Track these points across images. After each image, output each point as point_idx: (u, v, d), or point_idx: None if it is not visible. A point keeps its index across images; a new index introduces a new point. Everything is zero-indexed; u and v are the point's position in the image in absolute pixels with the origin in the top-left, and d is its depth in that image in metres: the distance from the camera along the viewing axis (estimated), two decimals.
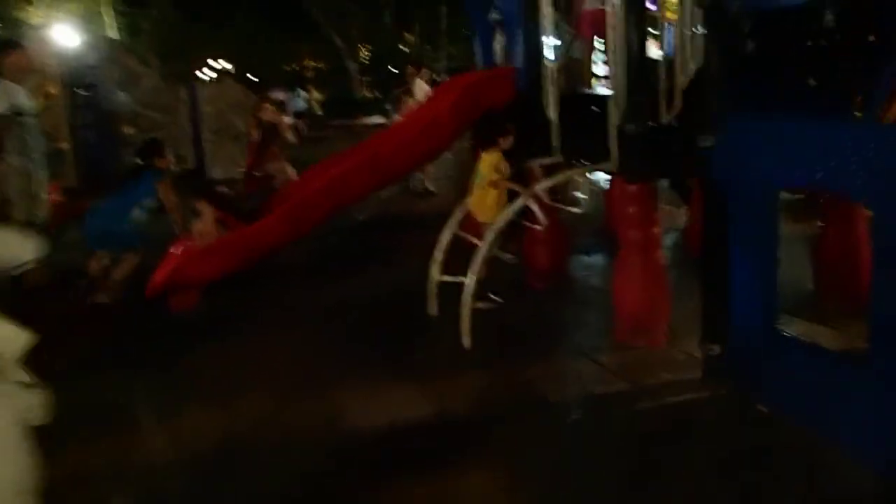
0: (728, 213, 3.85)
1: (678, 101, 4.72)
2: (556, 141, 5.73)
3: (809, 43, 4.06)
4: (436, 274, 5.68)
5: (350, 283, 6.79)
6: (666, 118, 4.78)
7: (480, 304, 5.03)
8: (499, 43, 7.36)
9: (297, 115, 25.14)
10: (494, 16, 6.98)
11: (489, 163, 5.32)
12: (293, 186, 6.78)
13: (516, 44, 6.25)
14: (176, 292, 6.17)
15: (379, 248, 8.26)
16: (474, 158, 7.73)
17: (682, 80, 4.67)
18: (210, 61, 36.42)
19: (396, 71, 26.63)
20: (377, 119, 23.46)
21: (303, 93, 26.30)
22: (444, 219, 5.99)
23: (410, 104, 11.06)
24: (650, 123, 4.69)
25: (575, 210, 5.50)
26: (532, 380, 4.43)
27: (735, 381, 3.99)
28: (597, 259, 7.20)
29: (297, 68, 39.63)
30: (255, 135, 9.82)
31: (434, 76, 18.88)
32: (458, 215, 5.72)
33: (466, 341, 4.99)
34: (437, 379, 4.52)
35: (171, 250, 6.27)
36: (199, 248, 6.16)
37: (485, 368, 4.66)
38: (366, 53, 34.80)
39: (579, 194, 8.86)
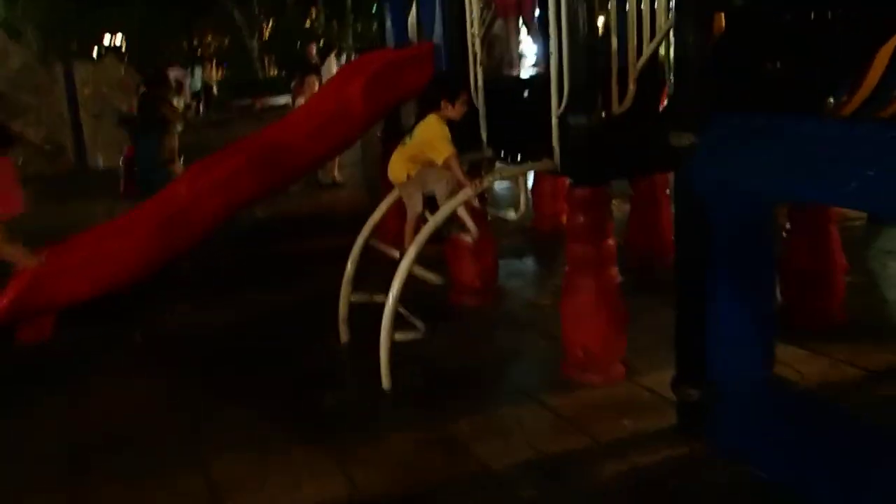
0: (709, 228, 3.06)
1: (633, 87, 3.90)
2: (484, 133, 4.85)
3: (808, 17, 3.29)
4: (347, 293, 4.74)
5: (242, 304, 5.75)
6: (618, 108, 3.95)
7: (401, 336, 4.12)
8: (413, 17, 6.42)
9: (195, 95, 23.51)
10: None
11: (431, 128, 4.33)
12: (174, 187, 5.66)
13: (433, 16, 5.33)
14: (24, 320, 5.03)
15: (278, 256, 7.20)
16: (384, 147, 6.89)
17: (637, 61, 3.84)
18: (107, 38, 33.80)
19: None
20: (282, 99, 22.10)
21: (199, 72, 24.55)
22: (354, 217, 5.11)
23: (313, 84, 9.98)
24: (601, 114, 3.86)
25: (509, 216, 4.64)
26: (468, 438, 3.56)
27: (720, 435, 3.22)
28: (528, 265, 6.40)
29: (196, 45, 37.35)
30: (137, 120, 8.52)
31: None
32: (371, 220, 4.78)
33: (386, 382, 4.08)
34: (349, 441, 3.59)
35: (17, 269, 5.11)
36: (50, 266, 5.01)
37: (409, 422, 3.77)
38: (269, 30, 33.03)
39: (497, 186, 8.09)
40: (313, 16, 32.48)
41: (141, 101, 9.03)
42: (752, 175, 2.79)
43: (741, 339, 3.07)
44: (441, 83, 4.47)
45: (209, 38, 37.92)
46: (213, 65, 30.85)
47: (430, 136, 4.28)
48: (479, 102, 4.81)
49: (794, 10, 3.21)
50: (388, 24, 6.36)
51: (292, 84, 15.48)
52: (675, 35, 3.10)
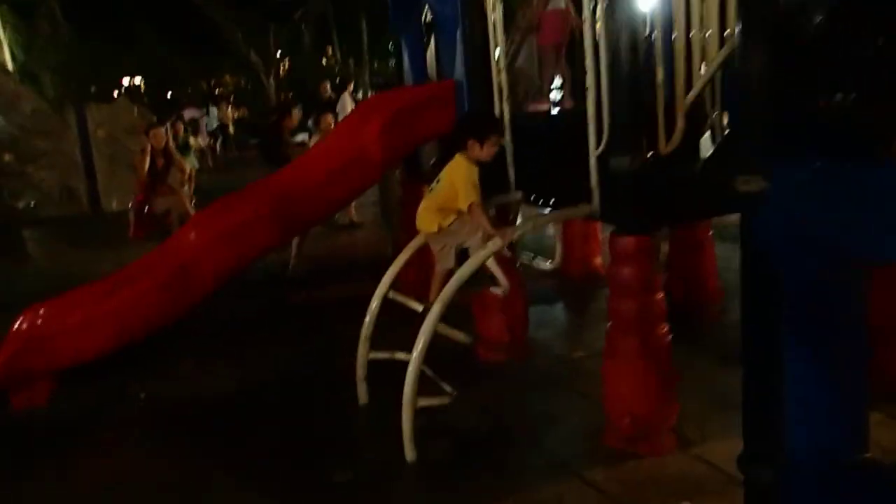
0: (781, 289, 2.64)
1: (681, 124, 3.51)
2: (512, 174, 4.47)
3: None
4: (365, 350, 4.35)
5: (251, 360, 5.34)
6: (664, 147, 3.56)
7: (426, 402, 3.70)
8: (430, 53, 6.11)
9: (211, 134, 23.43)
10: (426, 18, 5.73)
11: (457, 170, 3.96)
12: (182, 236, 5.32)
13: (453, 52, 4.99)
14: (20, 384, 4.67)
15: (293, 305, 6.80)
16: (404, 189, 6.54)
17: (688, 94, 3.46)
18: (126, 81, 34.11)
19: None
20: (300, 137, 21.92)
21: (215, 111, 24.50)
22: (373, 261, 4.72)
23: (329, 124, 9.69)
24: (646, 155, 3.47)
25: (543, 266, 4.22)
26: None
27: None
28: (558, 313, 5.96)
29: (213, 85, 37.57)
30: (142, 165, 8.22)
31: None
32: (392, 270, 4.39)
33: (410, 453, 3.66)
34: None
35: (14, 327, 4.77)
36: (49, 326, 4.66)
37: (434, 501, 3.34)
38: (285, 69, 33.16)
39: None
40: (329, 53, 32.58)
41: None
42: (839, 229, 2.37)
43: (826, 412, 2.62)
44: (469, 121, 4.10)
45: (226, 78, 38.21)
46: (230, 104, 30.92)
47: (456, 178, 3.92)
48: (507, 141, 4.44)
49: (875, 35, 2.81)
50: (406, 60, 6.04)
51: (308, 122, 15.28)
52: (739, 62, 2.71)
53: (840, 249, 2.39)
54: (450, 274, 3.90)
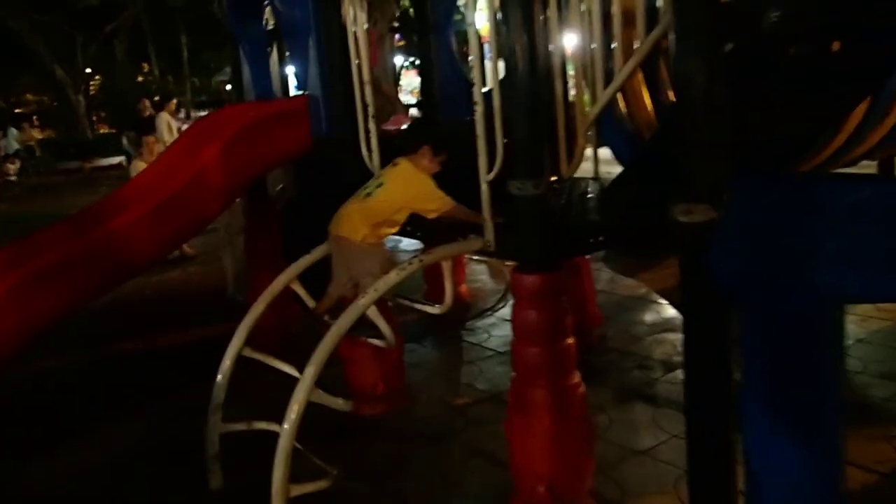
0: (737, 332, 2.25)
1: (582, 143, 3.09)
2: None
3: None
4: (217, 421, 3.58)
5: (67, 445, 4.31)
6: (567, 169, 3.12)
7: (303, 489, 3.01)
8: (274, 63, 5.41)
9: (10, 157, 20.89)
10: (269, 24, 5.03)
11: (413, 179, 3.32)
12: None
13: (306, 62, 4.33)
14: None
15: (116, 360, 5.72)
16: (250, 220, 5.76)
17: (592, 108, 3.04)
18: None
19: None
20: (114, 159, 20.07)
21: (15, 131, 21.89)
22: (212, 301, 3.92)
23: (153, 145, 8.62)
24: (549, 179, 3.00)
25: (431, 310, 3.66)
26: None
27: None
28: (429, 351, 5.41)
29: (12, 104, 33.90)
30: None
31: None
32: (247, 320, 3.65)
33: None
34: None
35: None
36: None
37: None
38: (96, 86, 30.53)
39: None
40: (146, 69, 30.45)
41: None
42: (815, 265, 1.99)
43: (794, 480, 2.24)
44: (429, 127, 3.40)
45: (29, 96, 34.66)
46: (33, 124, 27.92)
47: (417, 188, 3.28)
48: (375, 165, 3.84)
49: (812, 40, 2.50)
50: (246, 72, 5.28)
51: (124, 142, 13.82)
52: (675, 70, 2.30)
53: (827, 289, 2.01)
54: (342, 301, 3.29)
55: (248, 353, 3.57)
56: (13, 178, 18.32)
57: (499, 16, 3.03)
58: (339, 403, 3.11)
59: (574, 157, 3.08)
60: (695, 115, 2.28)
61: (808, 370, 2.17)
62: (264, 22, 5.25)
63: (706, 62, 2.23)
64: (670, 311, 5.82)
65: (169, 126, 12.77)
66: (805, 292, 2.01)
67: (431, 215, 3.28)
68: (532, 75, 2.83)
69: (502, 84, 2.97)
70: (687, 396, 2.54)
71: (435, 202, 3.25)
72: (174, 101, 14.14)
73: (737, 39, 2.25)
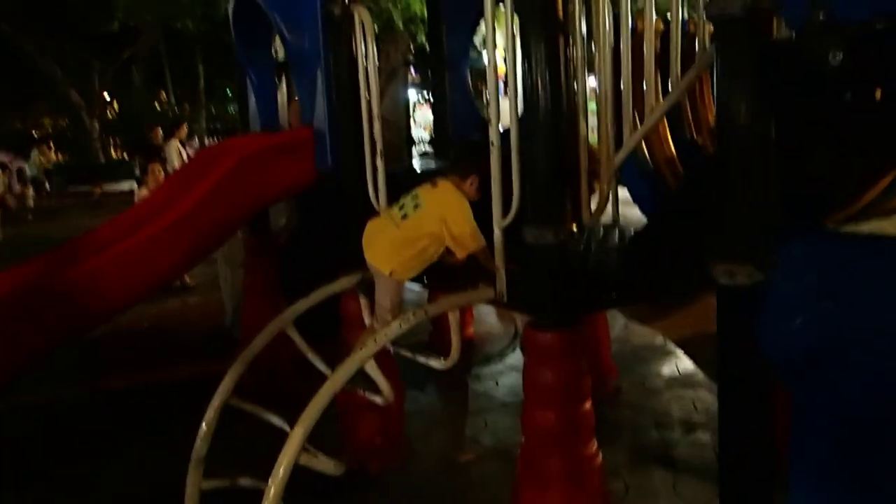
0: (796, 418, 1.97)
1: (606, 188, 2.84)
2: None
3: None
4: (197, 477, 3.29)
5: (39, 488, 4.02)
6: (588, 216, 2.87)
7: None
8: (282, 94, 5.21)
9: (31, 181, 20.84)
10: (278, 56, 4.84)
11: (454, 204, 2.95)
12: None
13: (313, 93, 4.12)
14: None
15: (103, 397, 5.40)
16: (250, 254, 5.52)
17: (614, 156, 2.79)
18: None
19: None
20: (126, 185, 19.98)
21: (35, 155, 21.94)
22: (209, 334, 3.66)
23: (158, 173, 8.44)
24: (571, 226, 2.75)
25: (434, 364, 3.38)
26: None
27: None
28: (431, 398, 5.11)
29: (31, 127, 34.07)
30: None
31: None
32: (236, 368, 3.39)
33: None
34: None
35: None
36: None
37: None
38: (113, 112, 30.66)
39: None
40: (163, 97, 30.59)
41: None
42: (884, 344, 1.72)
43: None
44: (479, 152, 2.96)
45: (45, 120, 34.90)
46: (49, 148, 27.98)
47: (455, 216, 2.91)
48: (381, 205, 3.60)
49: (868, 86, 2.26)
50: (252, 102, 5.08)
51: (135, 169, 13.70)
52: (719, 112, 2.05)
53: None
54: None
55: (236, 402, 3.30)
56: (31, 202, 18.20)
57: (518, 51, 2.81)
58: (330, 467, 2.82)
59: (597, 205, 2.82)
60: (740, 162, 2.04)
61: (869, 459, 1.88)
62: (273, 52, 5.06)
63: (754, 104, 1.98)
64: (688, 363, 5.52)
65: (179, 153, 12.65)
66: (880, 376, 1.73)
67: (461, 253, 2.94)
68: (555, 114, 2.60)
69: (520, 123, 2.74)
70: (723, 491, 2.25)
71: (473, 236, 2.88)
72: (184, 127, 14.05)
73: (791, 80, 2.00)
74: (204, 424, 3.32)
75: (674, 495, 3.64)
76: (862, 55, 1.83)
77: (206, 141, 23.89)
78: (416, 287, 4.28)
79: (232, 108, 30.87)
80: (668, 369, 5.44)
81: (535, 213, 2.67)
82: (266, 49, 4.95)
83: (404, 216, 3.00)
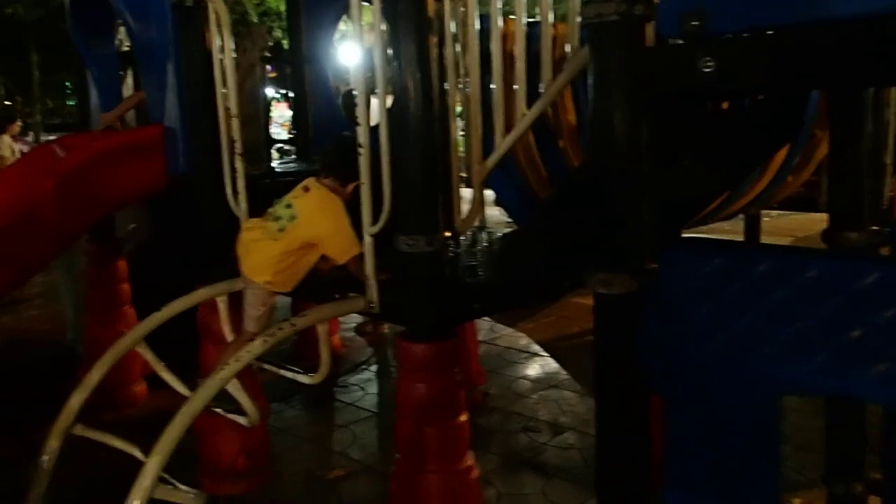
0: (670, 426, 1.97)
1: (479, 197, 2.78)
2: None
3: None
4: None
5: None
6: (460, 223, 2.79)
7: None
8: (127, 88, 4.82)
9: None
10: (122, 46, 4.46)
11: (328, 209, 2.78)
12: None
13: (164, 88, 3.81)
14: None
15: None
16: (93, 262, 5.05)
17: (483, 162, 2.72)
18: None
19: None
20: None
21: None
22: (47, 352, 3.27)
23: None
24: (443, 235, 2.65)
25: (302, 378, 3.17)
26: None
27: None
28: (295, 410, 4.88)
29: None
30: None
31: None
32: (80, 394, 3.05)
33: None
34: None
35: None
36: None
37: None
38: None
39: None
40: None
41: None
42: (759, 351, 1.73)
43: None
44: (353, 149, 2.70)
45: None
46: None
47: (336, 223, 2.75)
48: (242, 210, 3.36)
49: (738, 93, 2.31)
50: (93, 97, 4.66)
51: None
52: (593, 120, 2.01)
53: (770, 376, 1.75)
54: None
55: (81, 430, 2.97)
56: None
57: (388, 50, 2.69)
58: (189, 499, 2.57)
59: (469, 212, 2.75)
60: (616, 171, 2.01)
61: (740, 467, 1.90)
62: (117, 43, 4.66)
63: (628, 110, 1.96)
64: (553, 365, 5.61)
65: (12, 150, 11.55)
66: (745, 381, 1.75)
67: (341, 260, 2.79)
68: (427, 117, 2.50)
69: (390, 126, 2.61)
70: (599, 488, 2.23)
71: (351, 243, 2.74)
72: (17, 123, 12.87)
73: (662, 87, 1.99)
74: (44, 456, 2.97)
75: (544, 500, 3.65)
76: (732, 64, 1.85)
77: (42, 138, 22.12)
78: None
79: (72, 102, 28.80)
80: (533, 371, 5.50)
81: (409, 221, 2.56)
82: (108, 39, 4.55)
83: (281, 229, 2.81)
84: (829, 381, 1.65)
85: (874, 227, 2.84)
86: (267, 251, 2.83)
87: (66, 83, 28.38)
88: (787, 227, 8.71)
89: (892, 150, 3.37)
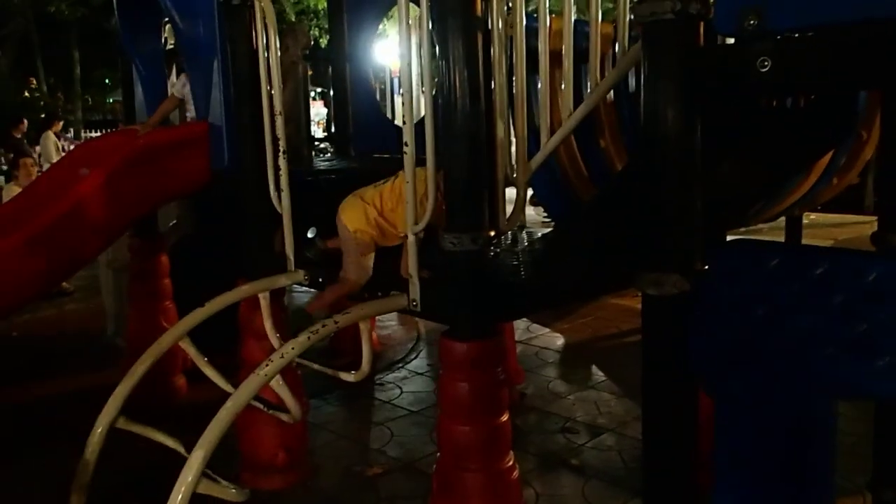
0: (719, 430, 1.94)
1: (523, 195, 2.76)
2: (290, 249, 3.41)
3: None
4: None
5: None
6: (503, 223, 2.78)
7: None
8: (174, 86, 4.87)
9: None
10: (167, 44, 4.52)
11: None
12: None
13: (209, 84, 3.86)
14: None
15: None
16: (137, 259, 5.12)
17: (529, 161, 2.71)
18: None
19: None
20: None
21: None
22: (88, 345, 3.35)
23: (31, 168, 7.81)
24: (489, 233, 2.64)
25: (345, 377, 3.20)
26: None
27: None
28: (333, 406, 4.91)
29: None
30: None
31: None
32: (127, 382, 3.10)
33: None
34: None
35: None
36: None
37: None
38: None
39: None
40: (34, 84, 28.62)
41: None
42: (816, 352, 1.70)
43: None
44: None
45: None
46: None
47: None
48: (284, 207, 3.39)
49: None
50: (139, 93, 4.73)
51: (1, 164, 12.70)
52: (645, 117, 1.99)
53: (826, 379, 1.72)
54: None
55: (123, 424, 3.02)
56: None
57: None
58: (231, 494, 2.60)
59: (513, 210, 2.74)
60: (667, 169, 1.99)
61: (793, 470, 1.87)
62: (162, 40, 4.73)
63: (682, 109, 1.94)
64: (590, 366, 5.58)
65: (57, 147, 11.80)
66: (800, 383, 1.72)
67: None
68: (474, 115, 2.49)
69: (436, 125, 2.61)
70: (646, 490, 2.21)
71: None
72: (60, 121, 13.13)
73: (718, 86, 1.97)
74: (88, 447, 3.02)
75: (583, 501, 3.63)
76: (790, 64, 1.82)
77: (84, 134, 22.53)
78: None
79: (111, 99, 29.28)
80: (570, 372, 5.48)
81: (454, 219, 2.56)
82: (154, 36, 4.62)
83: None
84: (888, 384, 1.62)
85: None
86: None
87: (106, 80, 28.86)
88: (827, 229, 8.56)
89: None
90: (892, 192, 2.93)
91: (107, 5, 4.69)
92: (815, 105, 2.51)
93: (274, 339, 3.38)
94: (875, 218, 3.02)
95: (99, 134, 16.88)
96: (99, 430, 3.00)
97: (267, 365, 2.61)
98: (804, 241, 5.86)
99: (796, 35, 1.80)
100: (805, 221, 5.96)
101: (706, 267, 1.97)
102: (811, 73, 1.84)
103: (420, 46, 2.85)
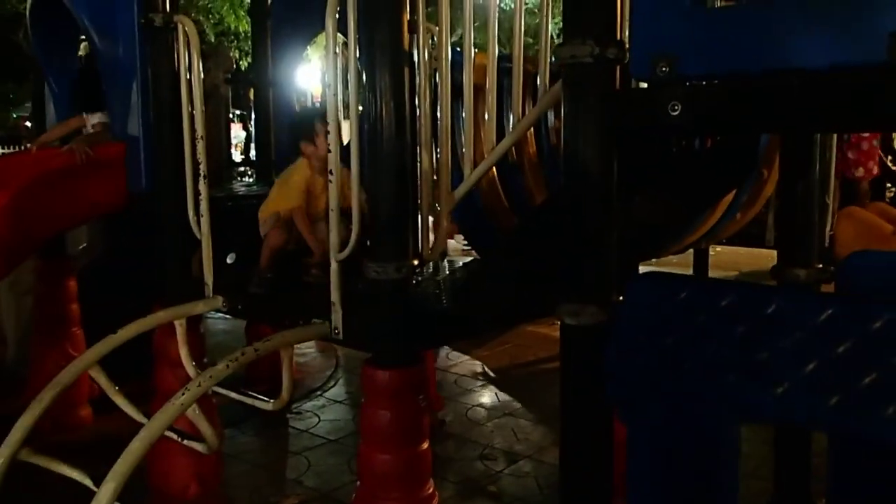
0: (632, 452, 2.01)
1: (445, 225, 2.82)
2: (209, 275, 3.36)
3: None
4: None
5: None
6: (428, 251, 2.83)
7: None
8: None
9: None
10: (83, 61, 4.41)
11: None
12: None
13: (127, 101, 3.78)
14: None
15: None
16: (43, 281, 4.91)
17: (454, 191, 2.77)
18: None
19: None
20: None
21: None
22: None
23: None
24: (413, 262, 2.68)
25: (262, 405, 3.13)
26: None
27: None
28: (247, 437, 4.80)
29: None
30: None
31: None
32: (31, 413, 2.97)
33: None
34: None
35: None
36: None
37: None
38: None
39: None
40: None
41: None
42: (721, 378, 1.80)
43: None
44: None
45: None
46: None
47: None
48: (204, 232, 3.34)
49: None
50: (50, 111, 4.58)
51: None
52: (566, 154, 2.07)
53: (730, 402, 1.81)
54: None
55: (27, 456, 2.88)
56: None
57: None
58: None
59: (437, 239, 2.79)
60: (587, 204, 2.08)
61: (701, 493, 1.96)
62: (78, 57, 4.60)
63: (600, 148, 2.03)
64: (507, 393, 5.65)
65: None
66: (708, 410, 1.82)
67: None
68: (399, 144, 2.54)
69: (360, 154, 2.64)
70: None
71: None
72: None
73: (632, 127, 2.07)
74: None
75: None
76: (698, 108, 1.93)
77: None
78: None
79: (15, 114, 28.01)
80: (488, 399, 5.53)
81: (378, 247, 2.58)
82: (70, 53, 4.49)
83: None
84: (786, 409, 1.72)
85: (819, 265, 2.97)
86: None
87: (10, 95, 27.63)
88: (731, 261, 8.97)
89: (833, 191, 3.52)
90: (790, 228, 3.13)
91: (16, 17, 4.54)
92: (721, 146, 2.67)
93: (190, 367, 3.31)
94: (775, 252, 3.21)
95: (2, 151, 16.12)
96: (0, 462, 2.85)
97: (183, 394, 2.56)
98: (711, 273, 6.15)
99: (704, 82, 1.92)
100: (711, 254, 6.26)
101: (621, 298, 2.05)
102: (717, 117, 1.96)
103: (347, 74, 2.89)
